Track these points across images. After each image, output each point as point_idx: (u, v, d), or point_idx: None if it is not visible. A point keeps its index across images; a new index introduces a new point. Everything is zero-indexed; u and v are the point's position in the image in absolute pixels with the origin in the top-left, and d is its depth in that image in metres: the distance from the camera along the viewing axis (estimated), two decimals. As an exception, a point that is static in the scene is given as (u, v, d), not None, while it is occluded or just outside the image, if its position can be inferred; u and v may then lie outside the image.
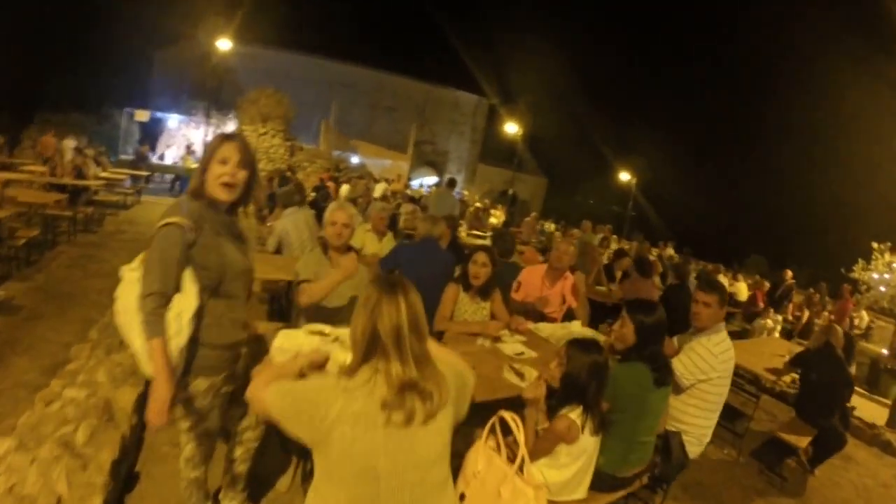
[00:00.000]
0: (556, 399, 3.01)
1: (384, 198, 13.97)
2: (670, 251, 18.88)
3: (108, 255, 9.10)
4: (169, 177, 22.17)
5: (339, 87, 34.20)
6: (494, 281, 4.66)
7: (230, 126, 24.20)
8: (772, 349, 7.29)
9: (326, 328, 3.30)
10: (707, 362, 3.73)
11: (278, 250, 6.62)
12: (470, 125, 41.39)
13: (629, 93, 61.66)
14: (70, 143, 15.25)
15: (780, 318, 11.87)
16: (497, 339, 4.18)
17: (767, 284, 14.14)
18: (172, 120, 27.92)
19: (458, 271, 5.05)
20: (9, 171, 11.76)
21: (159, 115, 27.62)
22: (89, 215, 11.21)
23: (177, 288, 2.37)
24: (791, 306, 13.97)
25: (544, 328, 4.75)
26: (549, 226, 21.25)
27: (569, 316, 5.52)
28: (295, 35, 34.41)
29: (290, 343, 3.05)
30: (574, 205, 40.23)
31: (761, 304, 12.53)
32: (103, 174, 14.17)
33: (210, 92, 25.68)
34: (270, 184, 11.93)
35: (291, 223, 6.59)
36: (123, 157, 23.62)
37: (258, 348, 3.06)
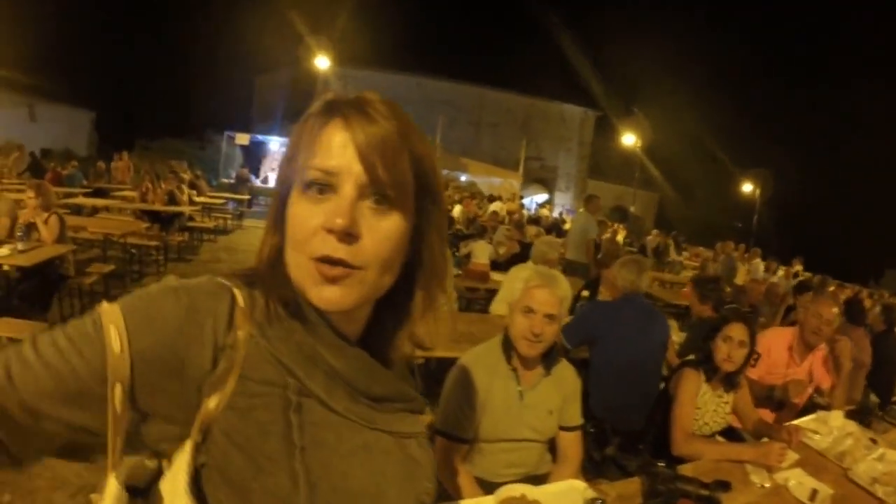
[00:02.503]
0: None
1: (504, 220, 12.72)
2: (799, 267, 16.91)
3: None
4: (273, 200, 21.68)
5: (440, 105, 33.23)
6: (746, 365, 3.08)
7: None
8: None
9: (527, 490, 1.96)
10: None
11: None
12: (577, 139, 39.54)
13: (753, 99, 58.17)
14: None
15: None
16: (770, 468, 2.62)
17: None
18: (274, 143, 27.61)
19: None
20: (102, 198, 11.34)
21: (260, 138, 27.51)
22: (183, 243, 10.66)
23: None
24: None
25: (807, 431, 3.10)
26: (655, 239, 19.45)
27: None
28: (392, 55, 34.13)
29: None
30: (690, 219, 37.99)
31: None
32: (199, 199, 13.55)
33: (311, 113, 25.73)
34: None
35: None
36: (225, 180, 23.39)
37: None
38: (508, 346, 2.42)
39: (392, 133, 0.80)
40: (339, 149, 0.78)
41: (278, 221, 0.84)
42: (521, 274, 2.46)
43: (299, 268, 0.80)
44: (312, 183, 0.78)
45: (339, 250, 0.76)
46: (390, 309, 0.93)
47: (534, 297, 2.31)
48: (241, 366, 0.77)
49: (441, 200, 0.90)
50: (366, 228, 0.78)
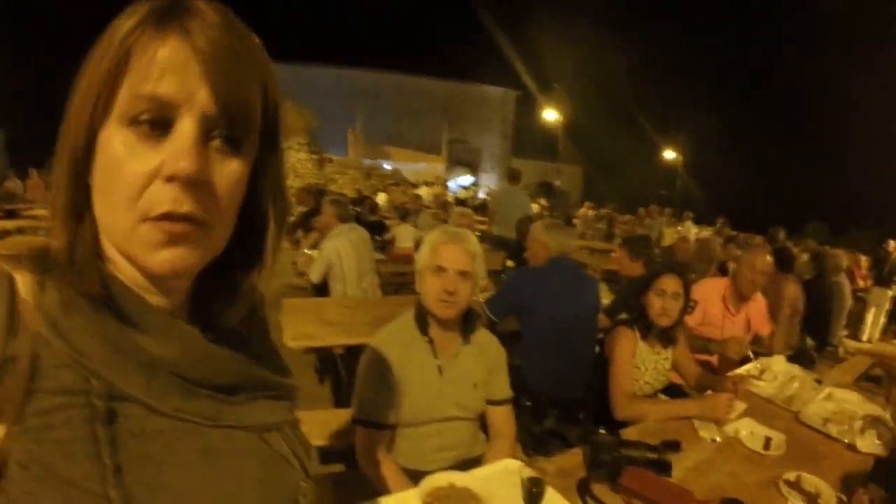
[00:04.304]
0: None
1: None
2: (725, 229, 17.20)
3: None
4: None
5: (361, 94, 33.63)
6: (682, 318, 2.93)
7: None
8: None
9: (456, 478, 1.70)
10: None
11: (323, 282, 4.88)
12: (499, 119, 40.11)
13: (670, 68, 59.44)
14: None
15: (889, 294, 10.06)
16: (718, 420, 2.48)
17: (864, 259, 12.28)
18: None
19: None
20: (14, 220, 10.70)
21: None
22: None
23: None
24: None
25: (751, 379, 3.00)
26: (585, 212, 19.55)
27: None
28: (311, 48, 33.99)
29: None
30: (615, 190, 38.58)
31: (861, 282, 10.62)
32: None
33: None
34: (310, 199, 10.20)
35: (347, 242, 4.81)
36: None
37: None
38: (422, 317, 2.18)
39: (244, 48, 0.63)
40: (177, 68, 0.59)
41: (79, 171, 0.63)
42: (426, 237, 2.23)
43: (125, 229, 0.61)
44: (140, 117, 0.59)
45: (184, 203, 0.60)
46: (220, 273, 0.74)
47: (443, 254, 2.09)
48: (30, 376, 0.58)
49: (279, 142, 0.73)
50: (213, 175, 0.63)
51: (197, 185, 0.60)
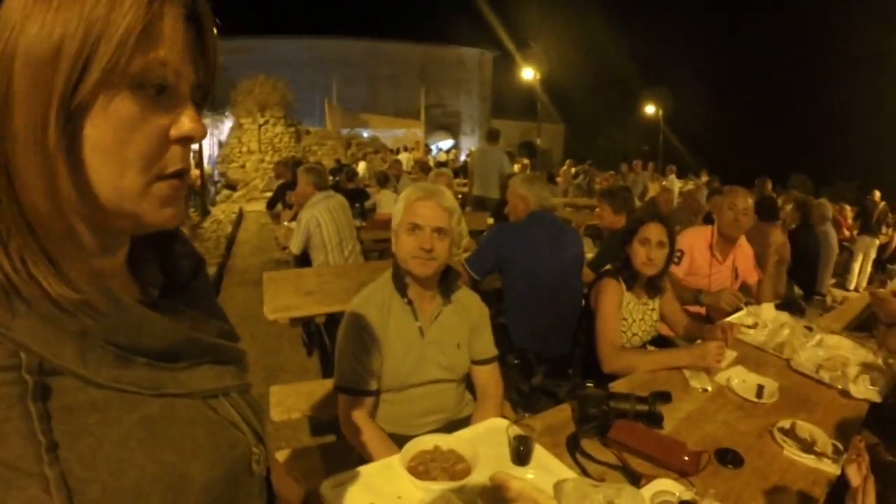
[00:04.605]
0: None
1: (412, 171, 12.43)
2: (707, 179, 17.30)
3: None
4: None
5: (335, 63, 33.08)
6: (668, 267, 2.88)
7: (227, 124, 22.67)
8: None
9: (441, 441, 1.65)
10: None
11: (305, 254, 4.83)
12: (477, 81, 39.87)
13: (650, 21, 58.91)
14: None
15: (877, 242, 10.17)
16: (709, 370, 2.44)
17: (849, 209, 12.37)
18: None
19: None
20: None
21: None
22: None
23: None
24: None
25: (741, 327, 2.97)
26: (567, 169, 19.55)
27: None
28: (281, 19, 33.51)
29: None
30: (597, 147, 38.54)
31: (846, 232, 10.71)
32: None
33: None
34: (287, 172, 9.99)
35: (325, 210, 4.73)
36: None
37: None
38: (400, 278, 2.11)
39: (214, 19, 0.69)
40: (179, 37, 0.63)
41: (60, 138, 0.58)
42: (401, 195, 2.15)
43: (138, 188, 0.64)
44: (153, 82, 0.62)
45: (186, 161, 0.68)
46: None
47: (418, 211, 2.01)
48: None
49: None
50: None
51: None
